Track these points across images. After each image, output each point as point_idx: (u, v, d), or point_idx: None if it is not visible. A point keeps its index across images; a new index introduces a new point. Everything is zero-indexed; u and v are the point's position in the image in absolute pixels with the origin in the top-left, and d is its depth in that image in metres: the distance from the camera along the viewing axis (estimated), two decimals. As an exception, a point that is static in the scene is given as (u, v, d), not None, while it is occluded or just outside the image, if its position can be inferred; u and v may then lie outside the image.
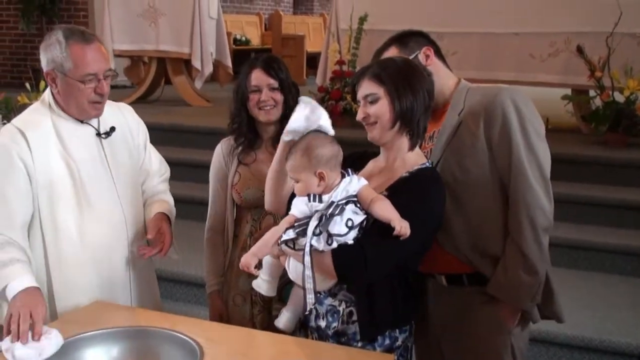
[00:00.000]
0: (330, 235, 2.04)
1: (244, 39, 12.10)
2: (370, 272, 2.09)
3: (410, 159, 2.24)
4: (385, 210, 2.05)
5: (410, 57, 2.41)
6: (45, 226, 2.44)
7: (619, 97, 5.51)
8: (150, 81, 7.82)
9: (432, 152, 2.42)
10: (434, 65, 2.45)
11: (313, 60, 10.87)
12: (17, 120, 2.50)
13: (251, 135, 2.81)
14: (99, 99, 2.47)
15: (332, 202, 2.07)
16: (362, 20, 6.32)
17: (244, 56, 12.19)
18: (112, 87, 2.57)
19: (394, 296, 2.21)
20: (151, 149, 2.85)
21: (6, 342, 2.01)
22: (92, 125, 2.57)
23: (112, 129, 2.61)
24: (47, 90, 2.54)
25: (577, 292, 4.12)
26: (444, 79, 2.46)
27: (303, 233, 2.08)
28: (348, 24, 6.42)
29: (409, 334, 2.32)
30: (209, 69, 7.48)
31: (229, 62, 7.85)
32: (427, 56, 2.46)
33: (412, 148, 2.24)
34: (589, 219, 4.77)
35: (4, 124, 5.91)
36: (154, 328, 2.15)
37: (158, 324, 2.18)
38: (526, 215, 2.28)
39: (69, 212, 2.46)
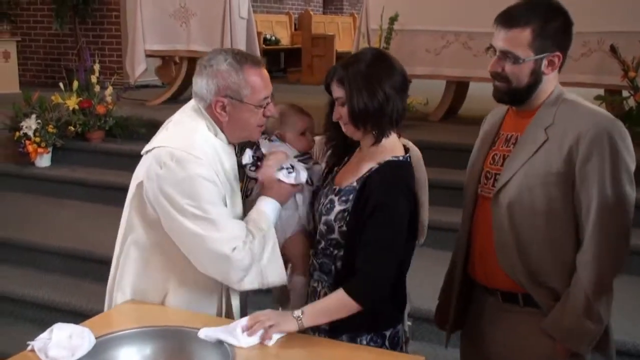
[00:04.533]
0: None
1: (273, 38, 12.13)
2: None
3: (383, 150, 2.31)
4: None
5: (535, 57, 2.21)
6: None
7: (653, 98, 5.42)
8: (181, 81, 7.83)
9: (508, 163, 2.27)
10: (550, 74, 2.26)
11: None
12: (195, 149, 2.32)
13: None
14: (264, 122, 2.44)
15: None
16: (393, 20, 6.29)
17: (273, 56, 12.26)
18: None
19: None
20: None
21: (39, 342, 2.03)
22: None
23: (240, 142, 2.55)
24: (198, 113, 2.41)
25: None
26: (547, 85, 2.28)
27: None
28: (378, 24, 6.39)
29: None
30: (239, 69, 7.46)
31: (259, 62, 7.83)
32: (552, 63, 2.24)
33: (375, 143, 2.29)
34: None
35: (39, 123, 6.00)
36: (186, 328, 2.16)
37: (191, 323, 2.19)
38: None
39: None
